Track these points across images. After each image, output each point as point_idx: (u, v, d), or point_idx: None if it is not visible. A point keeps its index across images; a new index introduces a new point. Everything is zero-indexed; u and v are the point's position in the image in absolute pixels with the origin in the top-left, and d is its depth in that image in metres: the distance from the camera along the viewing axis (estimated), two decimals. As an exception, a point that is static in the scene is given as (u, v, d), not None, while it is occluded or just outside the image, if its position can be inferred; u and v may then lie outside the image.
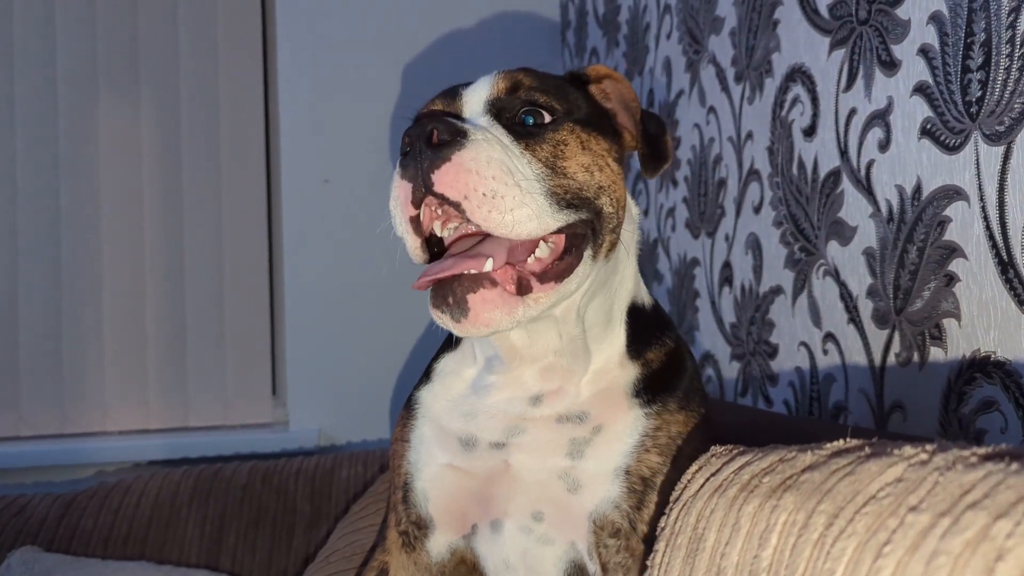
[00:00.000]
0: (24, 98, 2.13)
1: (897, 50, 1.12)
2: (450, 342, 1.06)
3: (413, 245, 0.86)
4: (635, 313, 1.00)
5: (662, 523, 0.83)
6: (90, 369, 2.14)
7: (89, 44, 2.16)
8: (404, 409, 1.05)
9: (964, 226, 1.01)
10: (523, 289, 0.83)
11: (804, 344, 1.34)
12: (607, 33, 2.12)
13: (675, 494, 0.84)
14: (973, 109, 0.99)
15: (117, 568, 1.51)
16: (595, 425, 0.93)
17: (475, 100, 0.92)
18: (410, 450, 1.01)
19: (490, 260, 0.82)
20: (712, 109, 1.62)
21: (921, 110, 1.08)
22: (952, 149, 1.03)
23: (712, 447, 0.87)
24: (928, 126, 1.07)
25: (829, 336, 1.27)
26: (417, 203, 0.83)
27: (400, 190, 0.84)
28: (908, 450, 0.65)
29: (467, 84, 0.95)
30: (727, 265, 1.57)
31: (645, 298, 1.04)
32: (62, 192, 2.14)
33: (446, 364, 1.04)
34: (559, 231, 0.86)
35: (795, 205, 1.35)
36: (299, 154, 2.21)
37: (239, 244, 2.24)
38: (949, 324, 1.04)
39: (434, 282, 0.83)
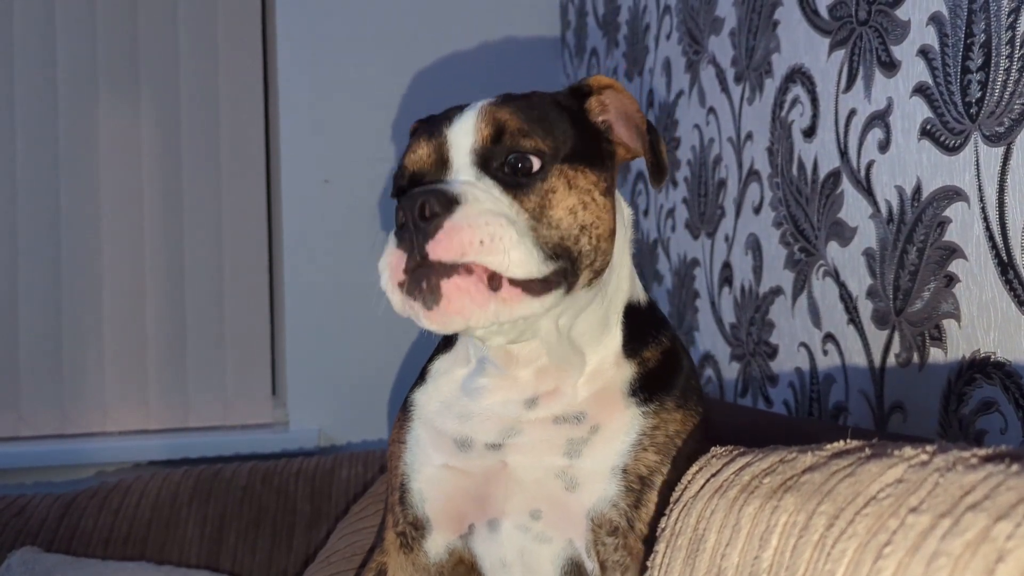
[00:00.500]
0: (24, 98, 2.13)
1: (897, 51, 1.12)
2: (445, 343, 1.06)
3: (398, 300, 0.86)
4: (631, 312, 1.00)
5: (662, 524, 0.84)
6: (90, 369, 2.14)
7: (89, 44, 2.16)
8: (400, 411, 1.05)
9: (964, 227, 1.01)
10: (495, 284, 0.82)
11: (804, 345, 1.34)
12: (607, 34, 2.12)
13: (675, 495, 0.84)
14: (973, 110, 0.99)
15: (117, 568, 1.51)
16: (592, 425, 0.93)
17: (460, 144, 0.89)
18: (406, 451, 1.01)
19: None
20: (712, 110, 1.62)
21: (921, 111, 1.08)
22: (952, 150, 1.03)
23: (712, 448, 0.87)
24: (928, 127, 1.07)
25: (829, 337, 1.28)
26: (409, 271, 0.83)
27: (394, 257, 0.84)
28: (908, 451, 0.65)
29: (449, 118, 0.92)
30: (727, 266, 1.57)
31: (641, 296, 1.04)
32: (62, 192, 2.14)
33: (440, 365, 1.04)
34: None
35: (795, 206, 1.35)
36: (299, 154, 2.21)
37: (239, 244, 2.24)
38: (949, 325, 1.04)
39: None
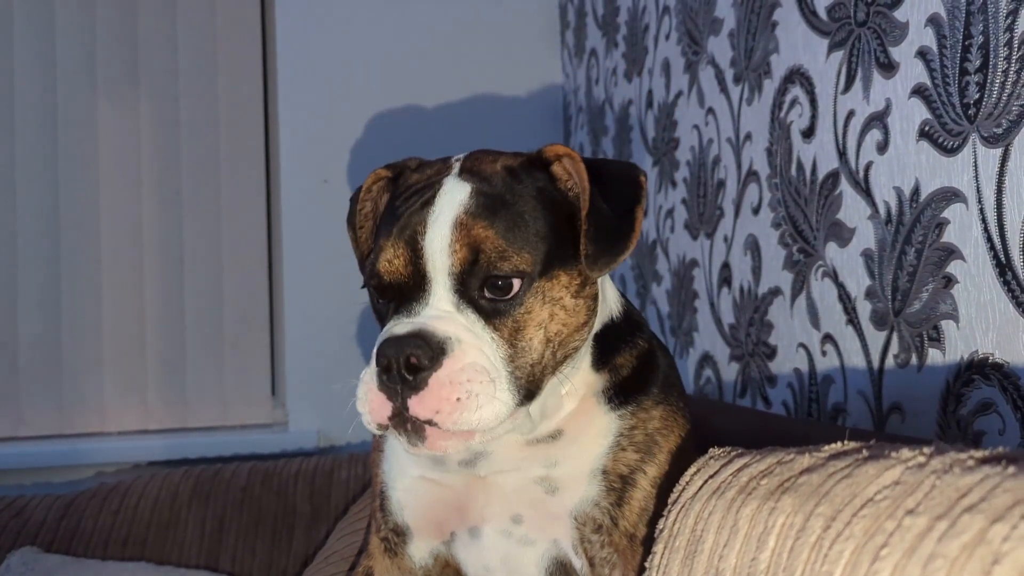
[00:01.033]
0: (24, 98, 2.13)
1: (895, 52, 1.12)
2: None
3: (372, 423, 0.88)
4: (604, 330, 0.99)
5: (660, 524, 0.84)
6: (89, 369, 2.14)
7: (89, 44, 2.16)
8: None
9: (962, 228, 1.01)
10: (469, 433, 0.85)
11: (803, 345, 1.34)
12: (606, 34, 2.12)
13: (673, 496, 0.84)
14: (971, 111, 0.99)
15: (117, 569, 1.51)
16: (569, 438, 0.95)
17: (437, 263, 0.86)
18: (384, 460, 1.04)
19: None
20: (711, 110, 1.62)
21: (919, 112, 1.08)
22: (950, 151, 1.03)
23: (711, 449, 0.87)
24: (926, 128, 1.07)
25: (828, 337, 1.28)
26: (390, 416, 0.86)
27: (376, 400, 0.86)
28: (906, 453, 0.65)
29: (424, 220, 0.87)
30: (726, 266, 1.57)
31: (615, 309, 1.01)
32: (62, 192, 2.14)
33: None
34: None
35: (794, 206, 1.35)
36: (299, 154, 2.21)
37: (239, 244, 2.24)
38: (947, 326, 1.04)
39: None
